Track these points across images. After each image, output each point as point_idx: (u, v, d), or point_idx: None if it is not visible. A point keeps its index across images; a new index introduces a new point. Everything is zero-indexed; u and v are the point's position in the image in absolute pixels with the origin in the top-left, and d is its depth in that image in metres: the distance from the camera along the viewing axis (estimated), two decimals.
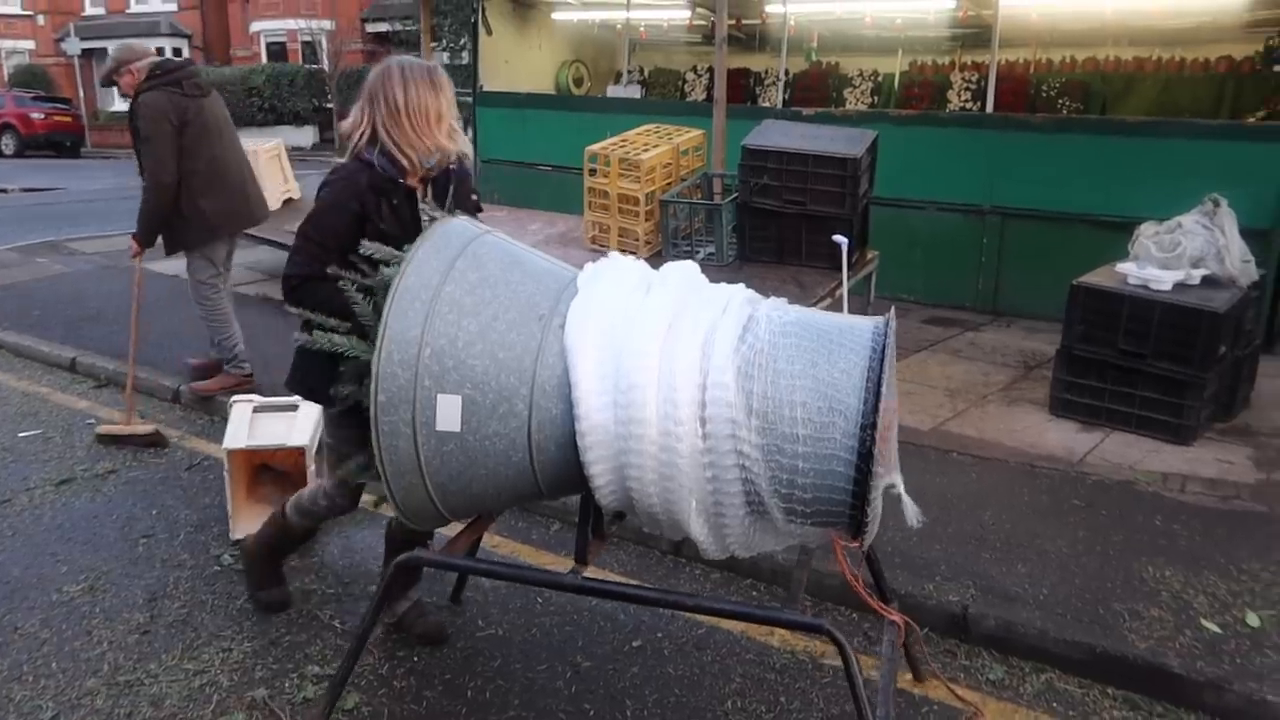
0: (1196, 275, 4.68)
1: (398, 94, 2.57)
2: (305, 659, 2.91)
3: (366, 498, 2.99)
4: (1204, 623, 3.08)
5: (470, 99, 10.07)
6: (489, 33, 9.69)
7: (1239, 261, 4.64)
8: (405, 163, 2.60)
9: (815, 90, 9.72)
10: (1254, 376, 5.20)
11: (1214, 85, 8.00)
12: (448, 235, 2.43)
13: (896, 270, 7.38)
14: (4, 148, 25.31)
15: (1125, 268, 4.80)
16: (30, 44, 31.58)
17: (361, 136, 2.62)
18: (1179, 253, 4.63)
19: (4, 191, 18.18)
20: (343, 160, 2.70)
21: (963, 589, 3.27)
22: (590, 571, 3.31)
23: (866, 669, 2.87)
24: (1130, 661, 2.91)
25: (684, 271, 2.45)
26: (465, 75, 10.01)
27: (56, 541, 3.63)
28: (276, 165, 7.68)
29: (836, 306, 5.60)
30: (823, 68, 10.07)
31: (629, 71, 10.70)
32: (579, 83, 10.73)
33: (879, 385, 2.12)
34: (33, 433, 4.76)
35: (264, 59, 29.43)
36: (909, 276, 7.42)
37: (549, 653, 3.01)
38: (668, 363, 2.22)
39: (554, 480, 2.39)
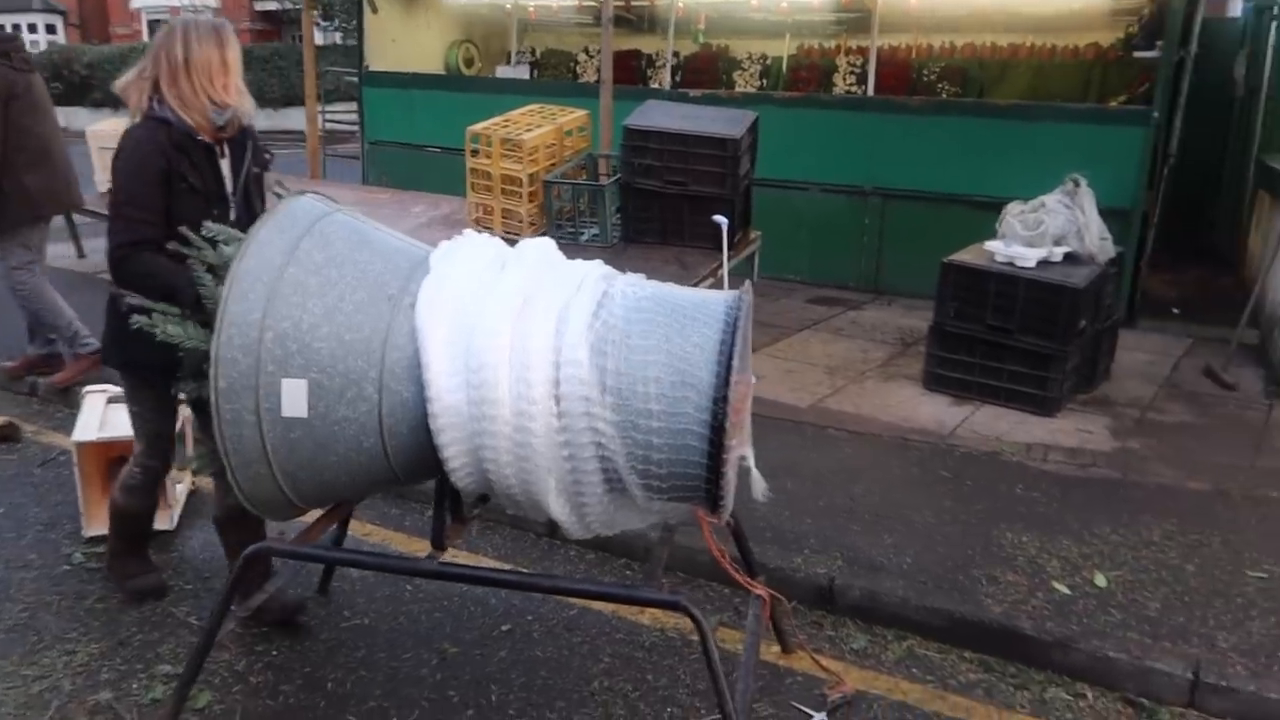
0: (1058, 253, 4.86)
1: (178, 50, 2.59)
2: (156, 658, 2.80)
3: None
4: (1055, 585, 3.21)
5: (356, 79, 9.82)
6: (374, 11, 9.43)
7: (1097, 239, 4.84)
8: (190, 120, 2.61)
9: (705, 73, 9.73)
10: (1114, 349, 5.44)
11: (1083, 71, 8.30)
12: (293, 214, 2.35)
13: (782, 251, 7.48)
14: None
15: (993, 246, 4.96)
16: None
17: (141, 95, 2.64)
18: (1042, 231, 4.80)
19: None
20: (132, 123, 2.68)
21: (830, 561, 3.34)
22: (464, 555, 3.29)
23: (735, 642, 2.92)
24: (985, 625, 3.02)
25: (540, 248, 2.42)
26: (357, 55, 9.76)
27: None
28: None
29: (719, 286, 5.65)
30: (713, 50, 10.08)
31: (519, 52, 10.55)
32: (469, 63, 10.53)
33: (730, 358, 2.13)
34: None
35: (145, 37, 28.15)
36: (795, 257, 7.54)
37: (415, 640, 2.95)
38: (520, 341, 2.19)
39: (409, 465, 2.34)
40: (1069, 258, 4.88)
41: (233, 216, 2.70)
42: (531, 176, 5.72)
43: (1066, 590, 3.18)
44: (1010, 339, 4.81)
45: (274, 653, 2.87)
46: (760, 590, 2.76)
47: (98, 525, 3.48)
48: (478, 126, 5.81)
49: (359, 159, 9.93)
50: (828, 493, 3.90)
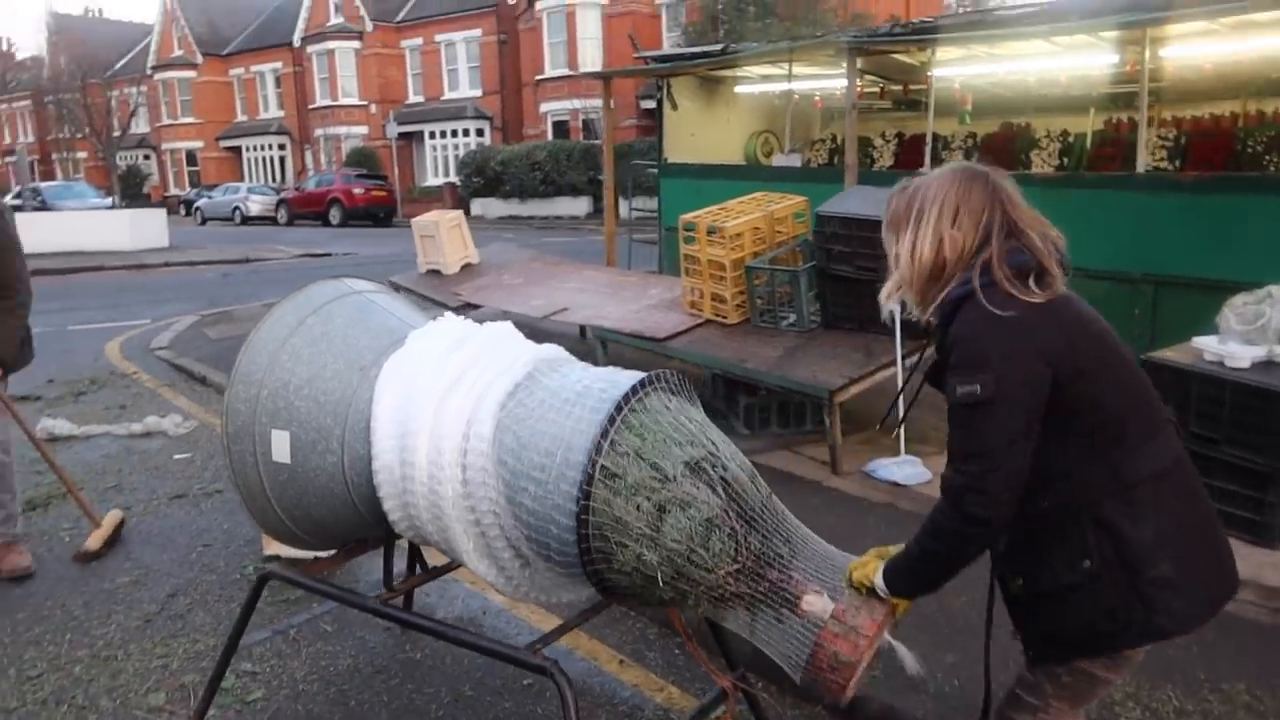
0: None
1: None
2: (248, 656, 3.38)
3: None
4: None
5: (655, 170, 10.67)
6: (674, 108, 10.22)
7: None
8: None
9: (1001, 153, 9.26)
10: None
11: None
12: (310, 295, 2.85)
13: None
14: (332, 218, 29.60)
15: (1202, 342, 4.30)
16: (364, 129, 36.80)
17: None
18: (1261, 325, 4.09)
19: (329, 255, 21.11)
20: None
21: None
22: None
23: None
24: None
25: (494, 330, 2.70)
26: None
27: (138, 543, 4.42)
28: (458, 234, 8.62)
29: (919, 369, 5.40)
30: (1013, 129, 9.59)
31: (816, 140, 10.82)
32: (769, 153, 10.96)
33: (598, 442, 2.23)
34: (184, 455, 5.74)
35: (549, 136, 32.21)
36: None
37: (444, 678, 3.27)
38: (442, 412, 2.47)
39: (375, 513, 2.68)
40: None
41: None
42: (735, 262, 5.94)
43: None
44: (1217, 451, 4.12)
45: (332, 668, 3.34)
46: (724, 682, 2.74)
47: (276, 547, 4.24)
48: (690, 215, 6.17)
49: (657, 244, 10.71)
50: (927, 600, 3.62)
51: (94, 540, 4.29)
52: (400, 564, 3.87)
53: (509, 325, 2.72)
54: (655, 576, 2.19)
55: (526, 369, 2.50)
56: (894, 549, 2.07)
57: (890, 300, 2.05)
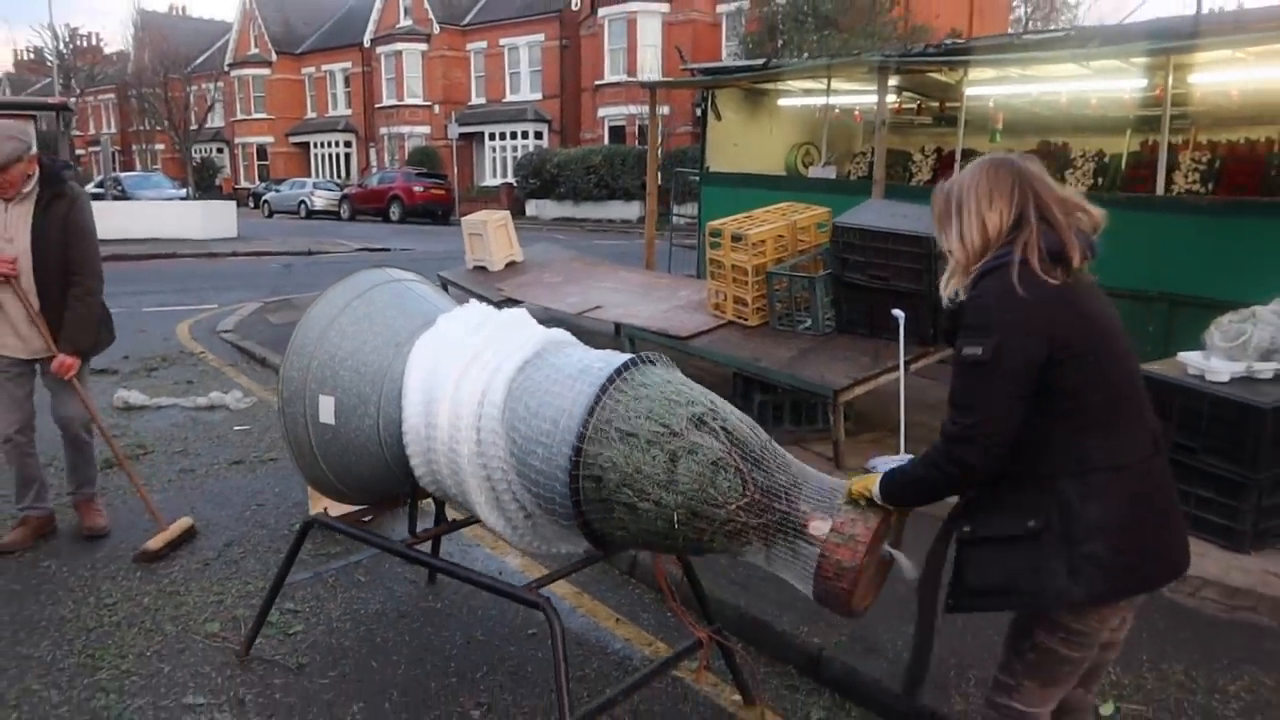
0: (1267, 369, 4.34)
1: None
2: (290, 598, 3.83)
3: None
4: None
5: (698, 179, 11.04)
6: (718, 118, 10.60)
7: None
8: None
9: None
10: None
11: None
12: (356, 280, 3.28)
13: None
14: (392, 214, 30.45)
15: (1187, 357, 4.55)
16: (426, 129, 37.72)
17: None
18: (1242, 343, 4.34)
19: (386, 250, 21.84)
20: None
21: (834, 635, 3.48)
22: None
23: (704, 684, 3.26)
24: (940, 717, 3.01)
25: (510, 315, 3.10)
26: None
27: (200, 499, 4.92)
28: (504, 233, 9.09)
29: (920, 374, 5.69)
30: (1050, 148, 9.79)
31: (856, 153, 11.11)
32: (810, 164, 11.26)
33: (590, 411, 2.62)
34: (244, 428, 6.26)
35: (606, 141, 32.72)
36: None
37: (459, 624, 3.69)
38: (461, 383, 2.88)
39: (406, 470, 3.10)
40: None
41: None
42: (757, 268, 6.29)
43: None
44: (1196, 460, 4.38)
45: (363, 610, 3.78)
46: (701, 633, 3.10)
47: (320, 505, 4.70)
48: (716, 222, 6.53)
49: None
50: (898, 587, 3.95)
51: (155, 541, 4.23)
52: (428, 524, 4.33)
53: (523, 311, 3.13)
54: (673, 517, 2.47)
55: (535, 348, 2.90)
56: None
57: (950, 288, 2.18)
